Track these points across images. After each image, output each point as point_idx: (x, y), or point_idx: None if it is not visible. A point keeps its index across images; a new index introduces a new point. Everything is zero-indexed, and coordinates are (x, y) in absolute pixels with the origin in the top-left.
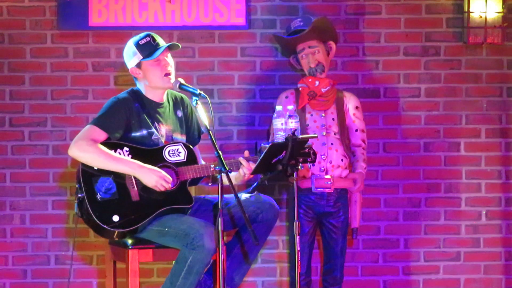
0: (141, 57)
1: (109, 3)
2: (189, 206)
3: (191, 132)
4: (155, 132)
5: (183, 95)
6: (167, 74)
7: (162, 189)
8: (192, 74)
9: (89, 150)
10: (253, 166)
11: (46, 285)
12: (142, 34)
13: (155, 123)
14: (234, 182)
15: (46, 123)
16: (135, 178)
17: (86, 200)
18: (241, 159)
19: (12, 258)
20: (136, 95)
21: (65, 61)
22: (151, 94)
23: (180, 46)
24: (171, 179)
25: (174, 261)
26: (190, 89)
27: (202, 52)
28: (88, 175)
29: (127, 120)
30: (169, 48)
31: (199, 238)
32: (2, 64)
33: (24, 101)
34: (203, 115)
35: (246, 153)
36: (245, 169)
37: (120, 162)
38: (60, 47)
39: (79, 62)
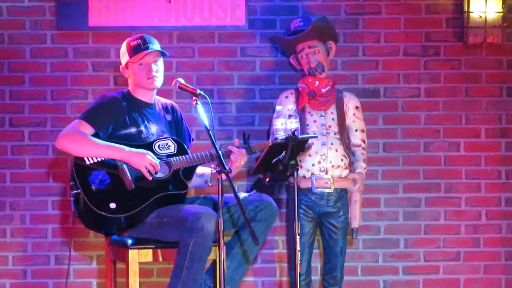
0: (128, 58)
1: (109, 3)
2: (184, 192)
3: (182, 138)
4: (144, 130)
5: (174, 104)
6: (151, 78)
7: (151, 169)
8: (192, 74)
9: (76, 139)
10: (243, 151)
11: (46, 285)
12: (136, 36)
13: (145, 121)
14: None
15: (46, 123)
16: (127, 167)
17: (82, 192)
18: (230, 147)
19: (12, 258)
20: (125, 95)
21: (65, 61)
22: (139, 95)
23: (168, 55)
24: (158, 160)
25: (176, 254)
26: (190, 89)
27: (202, 52)
28: (82, 170)
29: (115, 118)
30: (161, 53)
31: (197, 221)
32: (2, 64)
33: (24, 101)
34: (202, 115)
35: (236, 141)
36: (236, 155)
37: (108, 147)
38: (60, 47)
39: (79, 62)
